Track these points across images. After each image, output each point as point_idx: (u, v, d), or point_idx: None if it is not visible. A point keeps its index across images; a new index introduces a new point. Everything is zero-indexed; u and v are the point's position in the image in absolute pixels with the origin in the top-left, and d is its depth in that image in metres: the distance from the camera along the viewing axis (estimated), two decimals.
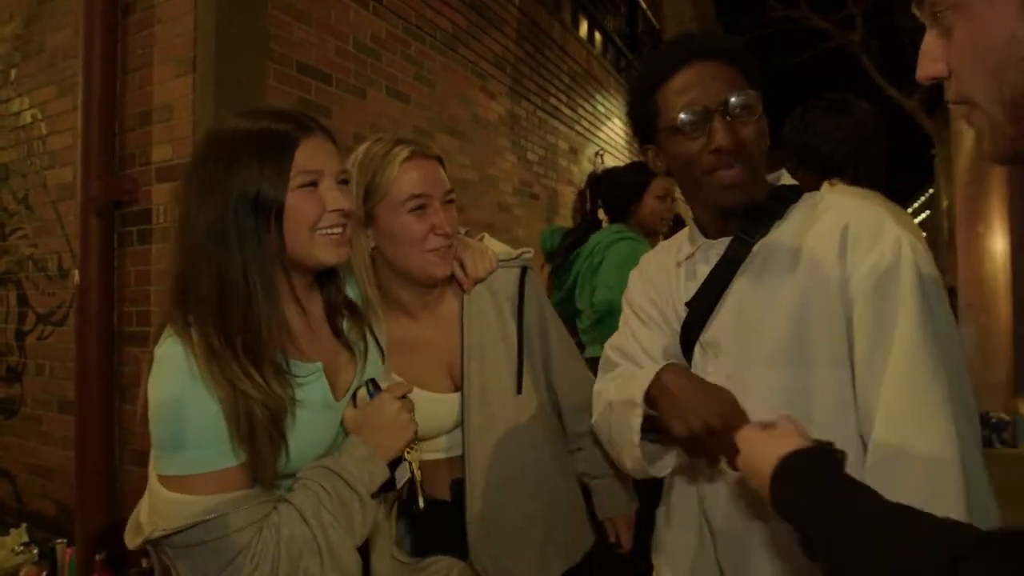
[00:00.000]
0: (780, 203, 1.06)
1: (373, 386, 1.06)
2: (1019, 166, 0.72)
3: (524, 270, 1.35)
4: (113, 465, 2.55)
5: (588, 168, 6.17)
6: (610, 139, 6.77)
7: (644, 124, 1.10)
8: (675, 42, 1.10)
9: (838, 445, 0.84)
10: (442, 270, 1.24)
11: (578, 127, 5.96)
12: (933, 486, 0.83)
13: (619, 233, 2.58)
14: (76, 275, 2.55)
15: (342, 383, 1.07)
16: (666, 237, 2.90)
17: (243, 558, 0.88)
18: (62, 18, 2.89)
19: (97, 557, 2.34)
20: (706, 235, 1.11)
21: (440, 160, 1.29)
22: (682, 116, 1.01)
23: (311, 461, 0.99)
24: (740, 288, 1.04)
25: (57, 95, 2.92)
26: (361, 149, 1.25)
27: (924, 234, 1.85)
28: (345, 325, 1.11)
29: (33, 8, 3.04)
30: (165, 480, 0.90)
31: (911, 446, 0.85)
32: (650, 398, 1.01)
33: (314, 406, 1.00)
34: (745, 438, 0.87)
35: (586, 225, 2.83)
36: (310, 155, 0.96)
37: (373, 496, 1.00)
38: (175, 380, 0.89)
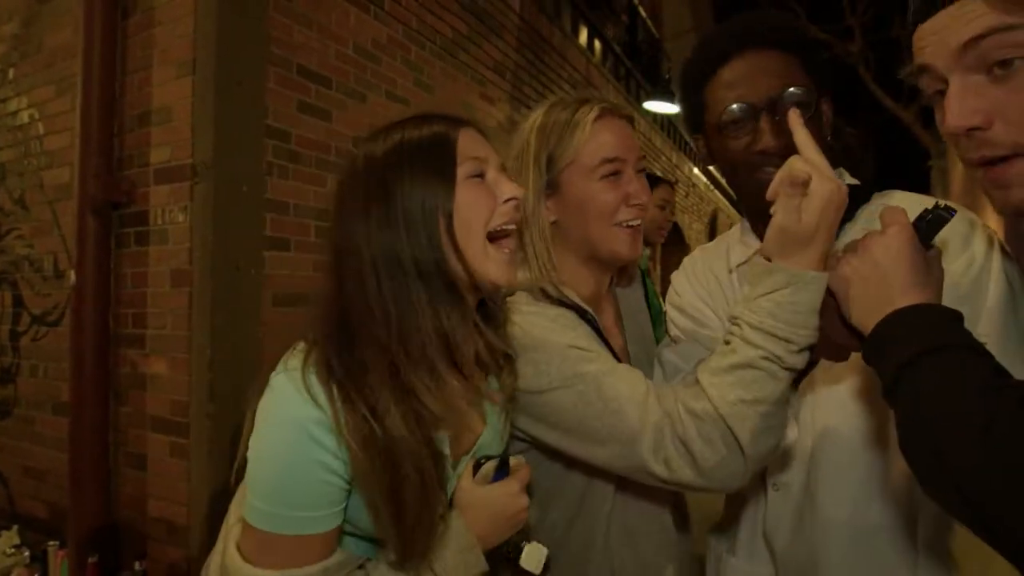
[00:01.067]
0: (850, 203, 1.04)
1: (503, 467, 0.89)
2: None
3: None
4: (107, 467, 2.53)
5: None
6: None
7: (693, 115, 1.06)
8: (724, 30, 1.03)
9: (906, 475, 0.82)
10: (631, 249, 1.07)
11: None
12: None
13: None
14: (72, 276, 2.54)
15: (463, 443, 0.91)
16: (663, 246, 2.93)
17: None
18: (61, 18, 2.88)
19: (90, 560, 2.32)
20: (760, 235, 1.04)
21: (631, 120, 1.13)
22: (726, 115, 0.95)
23: None
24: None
25: (55, 95, 2.92)
26: (536, 114, 1.10)
27: None
28: (492, 380, 0.94)
29: (33, 8, 3.04)
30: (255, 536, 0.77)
31: None
32: None
33: (439, 475, 0.87)
34: (877, 242, 0.75)
35: None
36: (473, 141, 0.86)
37: None
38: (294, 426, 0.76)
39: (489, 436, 0.93)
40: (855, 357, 0.81)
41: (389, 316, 0.79)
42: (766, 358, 0.80)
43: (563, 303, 1.04)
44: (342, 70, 3.09)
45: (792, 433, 0.95)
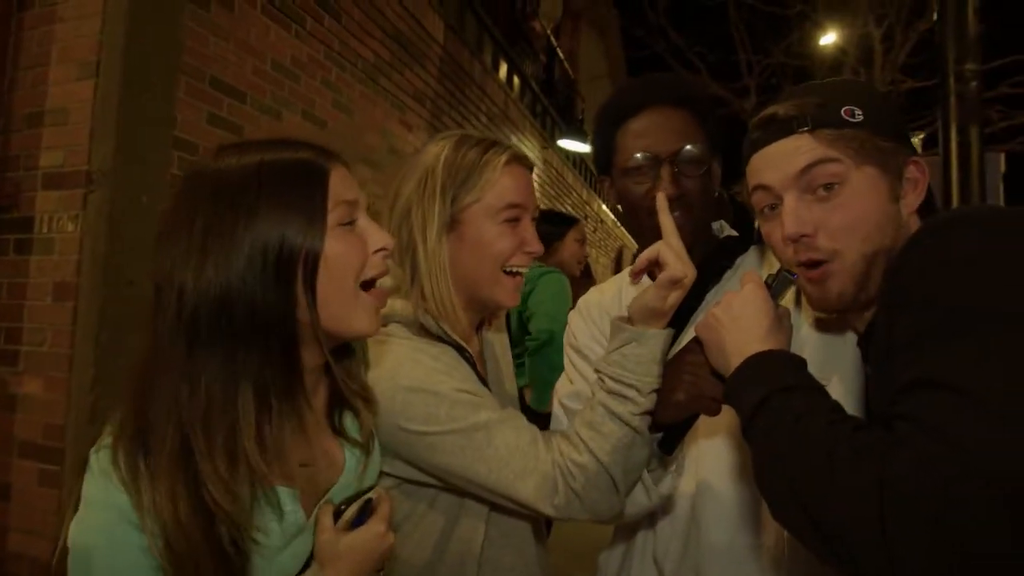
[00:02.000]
0: (729, 254, 1.12)
1: (365, 509, 0.85)
2: (840, 314, 0.91)
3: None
4: None
5: None
6: None
7: (602, 157, 1.14)
8: (642, 83, 1.13)
9: None
10: (511, 298, 1.06)
11: None
12: None
13: (542, 267, 2.71)
14: None
15: (317, 490, 0.84)
16: (573, 279, 3.08)
17: None
18: None
19: None
20: (652, 277, 1.11)
21: (532, 169, 1.14)
22: (632, 162, 1.05)
23: None
24: (695, 332, 1.09)
25: None
26: (442, 145, 1.07)
27: None
28: (349, 418, 0.88)
29: None
30: None
31: None
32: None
33: (283, 537, 0.80)
34: (731, 302, 0.86)
35: None
36: (343, 183, 0.75)
37: None
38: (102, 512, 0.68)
39: (348, 479, 0.88)
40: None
41: (197, 385, 0.69)
42: (622, 401, 0.90)
43: (443, 339, 1.03)
44: (258, 86, 3.02)
45: (681, 469, 1.02)
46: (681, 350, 0.95)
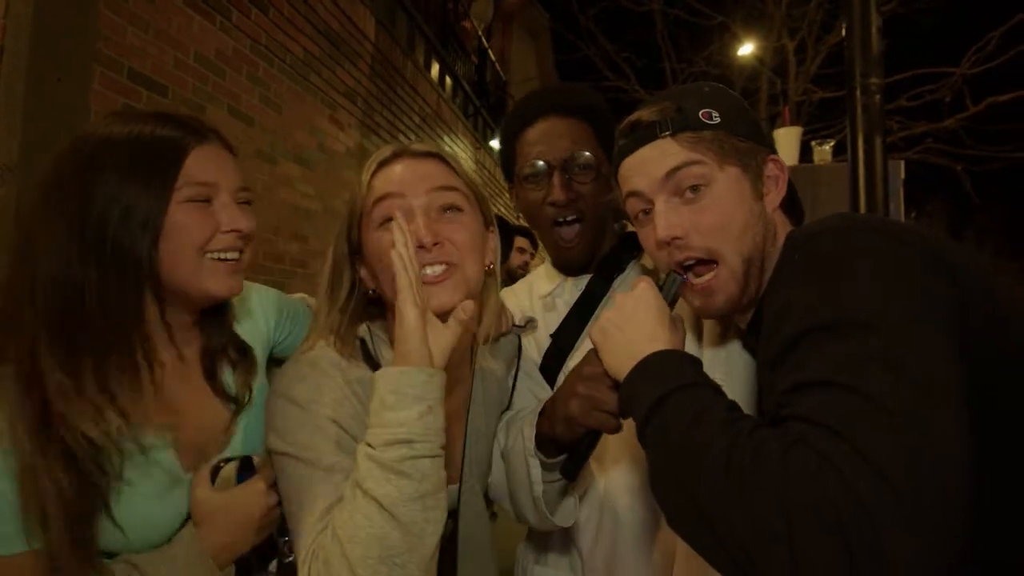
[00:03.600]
0: (632, 246, 1.19)
1: (245, 466, 0.85)
2: (725, 316, 0.91)
3: (519, 339, 1.13)
4: None
5: None
6: None
7: (507, 167, 1.20)
8: (537, 94, 1.20)
9: None
10: (437, 301, 0.86)
11: None
12: None
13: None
14: None
15: (208, 445, 0.88)
16: None
17: None
18: None
19: None
20: (564, 273, 1.21)
21: (437, 155, 0.95)
22: (528, 168, 1.11)
23: (156, 540, 0.82)
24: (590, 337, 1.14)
25: None
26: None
27: None
28: (228, 374, 0.92)
29: None
30: None
31: None
32: (540, 432, 0.94)
33: (155, 484, 0.83)
34: (623, 303, 0.85)
35: None
36: (203, 165, 0.82)
37: None
38: None
39: (244, 445, 0.90)
40: None
41: (70, 326, 0.76)
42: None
43: (377, 366, 0.89)
44: (180, 79, 2.89)
45: (584, 494, 1.07)
46: (579, 362, 0.90)
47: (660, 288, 0.86)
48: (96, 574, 0.77)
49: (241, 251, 0.88)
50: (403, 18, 5.72)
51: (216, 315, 0.93)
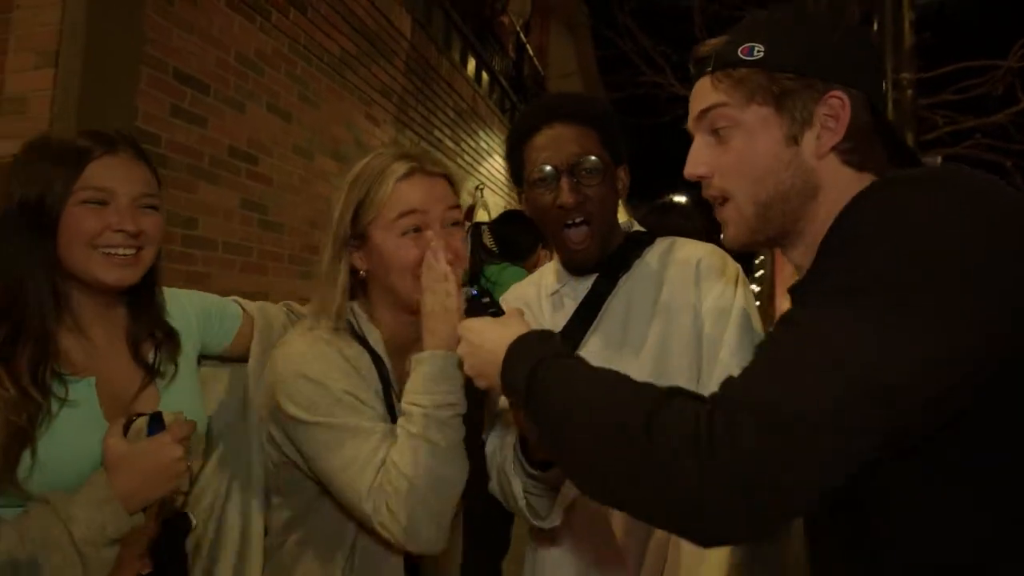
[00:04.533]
0: (638, 245, 1.23)
1: (155, 421, 0.94)
2: (748, 251, 0.95)
3: None
4: None
5: (468, 201, 6.35)
6: (491, 175, 7.02)
7: (516, 172, 1.25)
8: (544, 102, 1.26)
9: None
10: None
11: (460, 160, 6.13)
12: None
13: (506, 265, 2.80)
14: None
15: (134, 407, 1.00)
16: None
17: None
18: None
19: None
20: (572, 273, 1.25)
21: (448, 178, 1.12)
22: (536, 173, 1.16)
23: (71, 479, 0.91)
24: (609, 316, 1.19)
25: None
26: (359, 164, 1.11)
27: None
28: (152, 351, 1.06)
29: None
30: None
31: None
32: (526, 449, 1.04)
33: (77, 422, 0.94)
34: (471, 326, 0.91)
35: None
36: (103, 172, 0.97)
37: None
38: None
39: (182, 402, 1.05)
40: None
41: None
42: (409, 419, 0.99)
43: (365, 343, 1.08)
44: (222, 77, 3.03)
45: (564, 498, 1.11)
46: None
47: (468, 312, 0.97)
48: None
49: (139, 248, 1.00)
50: (439, 15, 5.81)
51: (141, 302, 1.08)
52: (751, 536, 0.61)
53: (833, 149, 0.76)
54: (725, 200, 0.81)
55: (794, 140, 0.77)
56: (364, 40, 4.28)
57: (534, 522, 1.11)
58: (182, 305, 1.16)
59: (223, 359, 1.21)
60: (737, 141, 0.79)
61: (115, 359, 1.03)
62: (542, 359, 0.77)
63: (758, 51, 0.77)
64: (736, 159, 0.79)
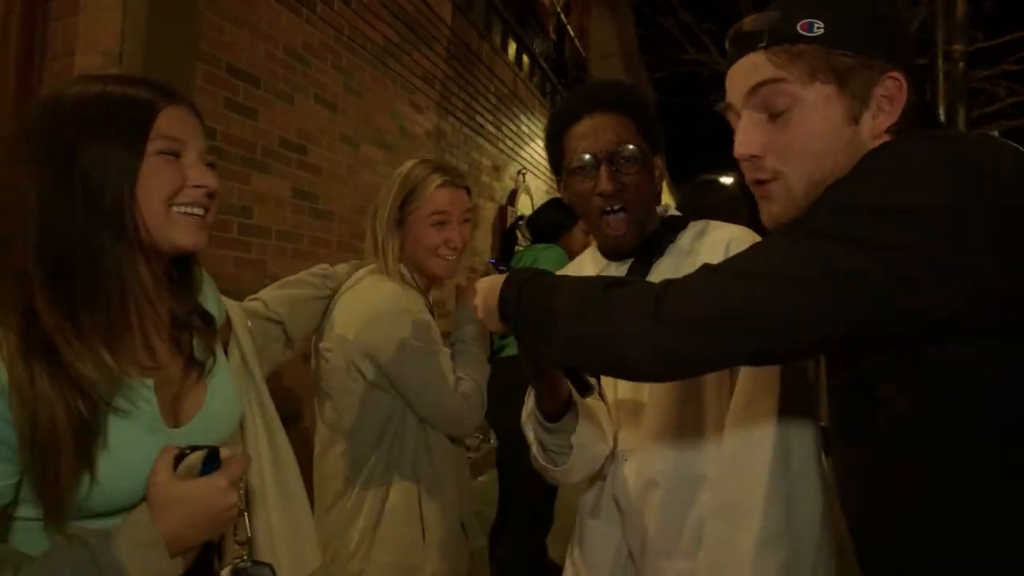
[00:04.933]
0: (672, 230, 1.27)
1: (211, 458, 0.83)
2: None
3: None
4: None
5: (510, 185, 6.39)
6: (532, 159, 7.03)
7: (555, 161, 1.29)
8: (581, 92, 1.29)
9: (715, 424, 1.10)
10: (445, 272, 1.58)
11: (502, 145, 6.17)
12: (752, 442, 1.05)
13: (547, 247, 2.87)
14: None
15: (183, 406, 0.91)
16: None
17: None
18: None
19: None
20: (608, 258, 1.30)
21: (467, 190, 1.63)
22: (576, 161, 1.20)
23: (124, 495, 0.82)
24: None
25: None
26: (406, 166, 1.59)
27: None
28: (193, 339, 0.96)
29: None
30: None
31: (741, 458, 1.06)
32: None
33: (136, 427, 0.84)
34: (481, 281, 1.04)
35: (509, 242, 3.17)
36: (173, 122, 0.86)
37: None
38: None
39: (219, 406, 0.94)
40: None
41: (61, 270, 0.80)
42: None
43: (420, 290, 1.58)
44: (271, 70, 3.13)
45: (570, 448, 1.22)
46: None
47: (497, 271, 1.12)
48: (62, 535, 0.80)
49: (207, 209, 0.91)
50: (480, 0, 5.82)
51: (184, 282, 0.98)
52: (668, 377, 0.89)
53: (886, 130, 0.77)
54: (774, 179, 0.81)
55: (855, 120, 0.77)
56: (405, 27, 4.34)
57: (554, 471, 1.22)
58: (214, 289, 1.08)
59: None
60: (797, 119, 0.77)
61: (164, 349, 0.92)
62: (527, 279, 0.91)
63: (818, 27, 0.76)
64: (796, 137, 0.77)
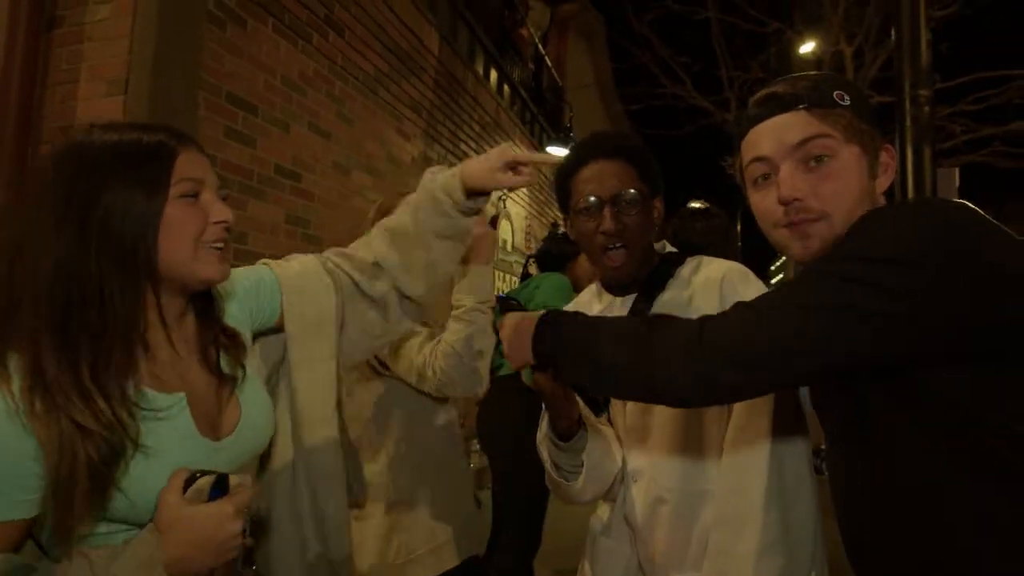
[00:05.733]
0: (671, 265, 1.37)
1: (219, 484, 0.83)
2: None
3: None
4: None
5: (491, 211, 6.47)
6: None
7: (562, 201, 1.40)
8: (589, 140, 1.41)
9: (716, 444, 1.20)
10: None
11: None
12: (747, 464, 1.16)
13: (546, 275, 2.97)
14: None
15: (221, 421, 0.96)
16: None
17: None
18: None
19: None
20: (613, 293, 1.40)
21: None
22: (582, 203, 1.31)
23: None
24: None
25: None
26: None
27: None
28: (222, 357, 1.00)
29: None
30: None
31: (739, 474, 1.16)
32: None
33: (173, 442, 0.87)
34: (509, 317, 1.12)
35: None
36: (191, 165, 0.91)
37: None
38: None
39: (255, 417, 1.00)
40: None
41: (71, 310, 0.83)
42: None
43: None
44: (268, 99, 3.20)
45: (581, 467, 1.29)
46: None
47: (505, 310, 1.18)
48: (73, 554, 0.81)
49: (226, 241, 0.95)
50: (464, 30, 5.98)
51: (206, 306, 1.01)
52: (705, 403, 1.01)
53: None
54: (819, 219, 0.92)
55: (873, 177, 0.93)
56: (395, 58, 4.45)
57: (567, 488, 1.30)
58: (237, 295, 1.09)
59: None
60: (839, 170, 0.91)
61: (192, 371, 0.96)
62: (565, 317, 1.02)
63: (847, 99, 0.92)
64: (839, 185, 0.91)
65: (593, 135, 1.42)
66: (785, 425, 1.17)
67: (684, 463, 1.25)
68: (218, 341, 1.00)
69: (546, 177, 8.50)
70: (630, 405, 1.30)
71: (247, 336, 1.06)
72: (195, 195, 0.91)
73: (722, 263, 1.36)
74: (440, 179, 1.22)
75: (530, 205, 7.59)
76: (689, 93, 6.82)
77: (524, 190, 7.46)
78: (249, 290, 1.09)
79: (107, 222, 0.84)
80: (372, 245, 1.22)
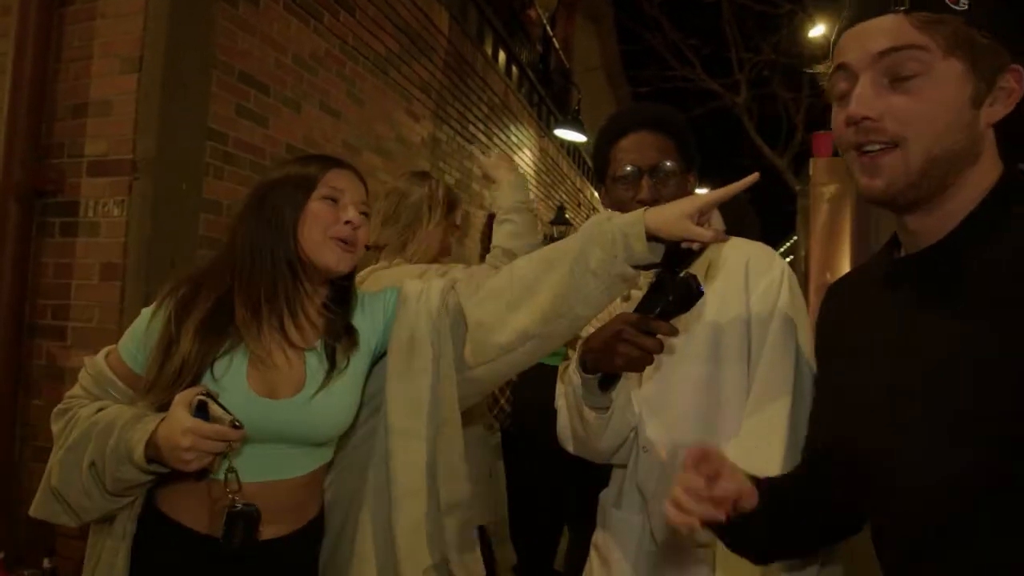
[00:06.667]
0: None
1: (200, 407, 1.03)
2: (886, 208, 0.83)
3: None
4: (12, 461, 2.46)
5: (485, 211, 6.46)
6: (521, 168, 7.11)
7: (600, 169, 1.41)
8: (631, 110, 1.42)
9: (733, 418, 1.22)
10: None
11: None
12: (765, 438, 1.17)
13: None
14: None
15: (277, 385, 1.17)
16: None
17: (64, 416, 1.22)
18: None
19: None
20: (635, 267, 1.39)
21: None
22: (621, 172, 1.32)
23: None
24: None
25: None
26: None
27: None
28: (337, 346, 1.23)
29: None
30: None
31: (757, 443, 1.17)
32: (585, 366, 1.23)
33: (224, 384, 1.13)
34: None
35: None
36: (336, 178, 1.23)
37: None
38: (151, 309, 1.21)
39: (331, 403, 1.19)
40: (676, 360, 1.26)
41: (244, 269, 1.19)
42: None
43: None
44: (280, 78, 3.17)
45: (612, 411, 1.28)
46: (613, 318, 1.19)
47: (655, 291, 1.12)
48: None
49: (353, 243, 1.22)
50: (474, 11, 5.91)
51: (342, 300, 1.27)
52: None
53: (997, 122, 0.76)
54: (893, 147, 0.77)
55: (978, 104, 0.75)
56: (406, 38, 4.40)
57: (584, 436, 1.30)
58: (383, 303, 1.32)
59: None
60: (928, 88, 0.74)
61: (307, 335, 1.21)
62: None
63: (964, 2, 0.74)
64: (923, 107, 0.75)
65: (635, 105, 1.43)
66: (803, 402, 1.18)
67: (699, 432, 1.26)
68: (339, 331, 1.24)
69: (551, 159, 8.45)
70: (646, 375, 1.30)
71: (368, 341, 1.28)
72: (335, 200, 1.20)
73: (746, 244, 1.36)
74: (618, 221, 1.13)
75: (537, 188, 7.56)
76: (699, 76, 6.75)
77: (532, 171, 7.43)
78: (388, 324, 1.31)
79: (274, 207, 1.19)
80: (511, 322, 1.23)
